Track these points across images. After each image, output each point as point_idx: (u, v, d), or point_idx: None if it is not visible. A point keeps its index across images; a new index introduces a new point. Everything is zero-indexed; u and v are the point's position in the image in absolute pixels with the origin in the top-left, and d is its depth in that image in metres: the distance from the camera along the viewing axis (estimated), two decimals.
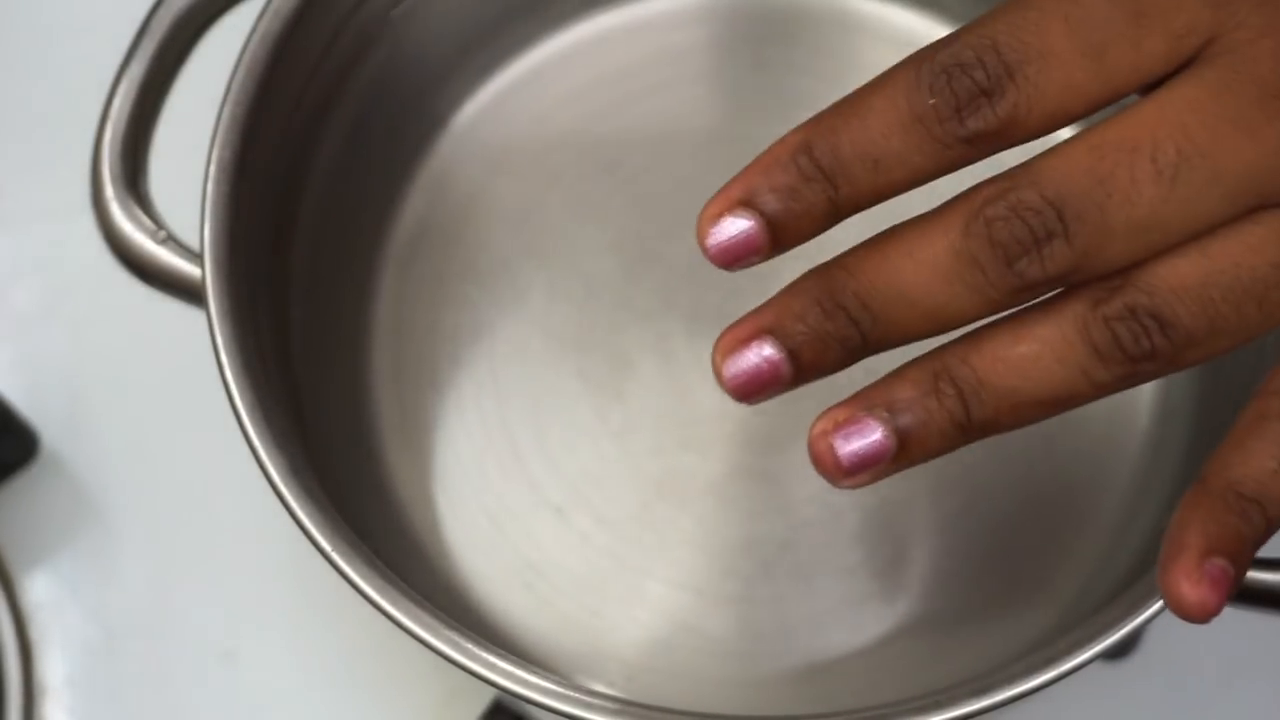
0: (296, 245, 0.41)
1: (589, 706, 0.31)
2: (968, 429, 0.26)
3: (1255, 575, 0.34)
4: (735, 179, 0.26)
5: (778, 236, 0.25)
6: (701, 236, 0.26)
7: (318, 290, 0.42)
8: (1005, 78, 0.24)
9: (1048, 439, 0.42)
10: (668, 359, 0.43)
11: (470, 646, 0.32)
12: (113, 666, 0.46)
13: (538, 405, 0.43)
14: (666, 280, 0.44)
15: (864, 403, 0.26)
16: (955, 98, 0.24)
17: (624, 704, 0.32)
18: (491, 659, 0.32)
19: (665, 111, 0.46)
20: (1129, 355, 0.25)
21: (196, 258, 0.37)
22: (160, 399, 0.48)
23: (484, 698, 0.44)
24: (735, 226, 0.25)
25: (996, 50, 0.24)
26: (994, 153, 0.25)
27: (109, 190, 0.38)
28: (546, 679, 0.32)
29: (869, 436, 0.26)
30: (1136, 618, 0.32)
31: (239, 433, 0.34)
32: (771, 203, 0.25)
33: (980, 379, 0.25)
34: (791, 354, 0.26)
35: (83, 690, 0.46)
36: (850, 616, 0.40)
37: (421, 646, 0.32)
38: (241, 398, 0.34)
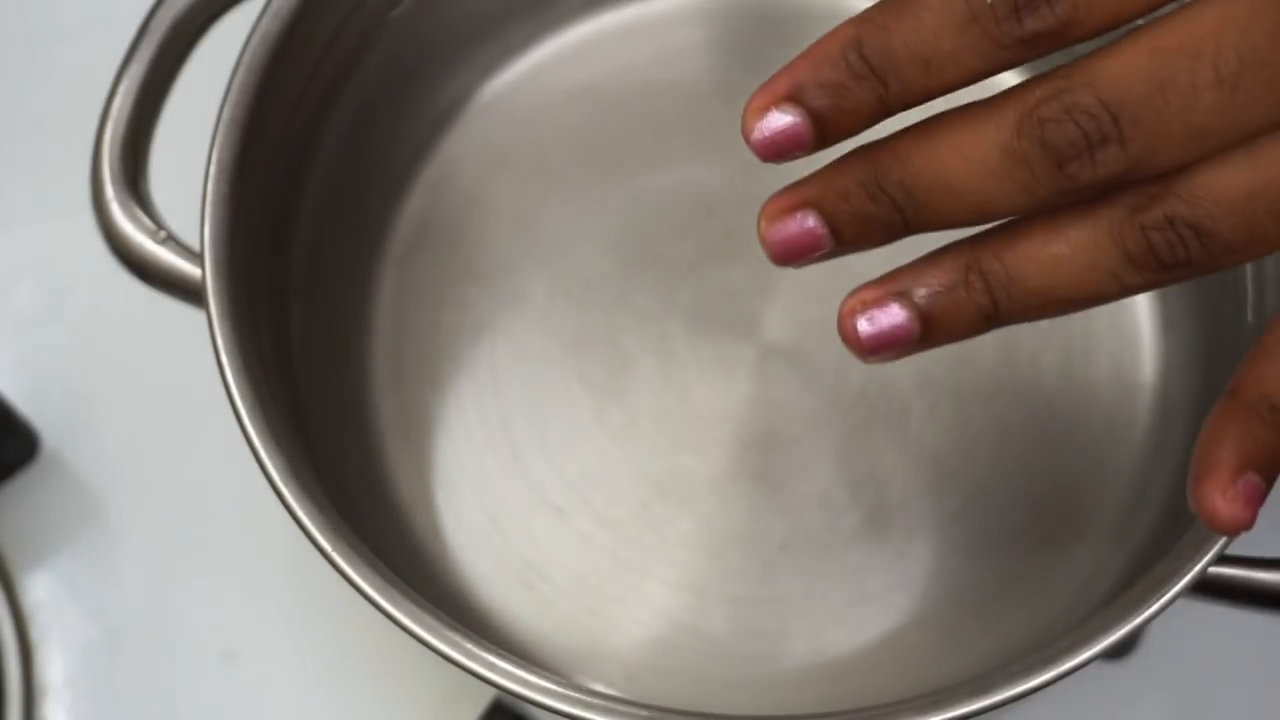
0: (296, 245, 0.41)
1: (589, 706, 0.31)
2: (992, 319, 0.26)
3: (1255, 575, 0.34)
4: (782, 71, 0.25)
5: (823, 133, 0.25)
6: (746, 129, 0.26)
7: (318, 290, 0.42)
8: None
9: (1048, 439, 0.42)
10: (668, 359, 0.43)
11: (470, 646, 0.32)
12: (113, 666, 0.46)
13: (538, 405, 0.43)
14: (666, 280, 0.44)
15: (893, 285, 0.26)
16: None
17: (624, 704, 0.32)
18: (491, 659, 0.32)
19: (665, 112, 0.46)
20: (1162, 263, 0.25)
21: (196, 258, 0.37)
22: (160, 399, 0.48)
23: (484, 698, 0.44)
24: (781, 121, 0.25)
25: None
26: (1049, 54, 0.25)
27: (109, 190, 0.38)
28: (546, 679, 0.32)
29: (894, 319, 0.26)
30: (1136, 617, 0.32)
31: (239, 433, 0.34)
32: (819, 99, 0.25)
33: (1010, 275, 0.25)
34: (833, 229, 0.26)
35: (83, 690, 0.46)
36: (850, 616, 0.40)
37: (421, 646, 0.32)
38: (242, 398, 0.34)
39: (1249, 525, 0.26)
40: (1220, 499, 0.26)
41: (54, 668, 0.46)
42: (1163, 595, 0.32)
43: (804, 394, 0.42)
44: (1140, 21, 0.24)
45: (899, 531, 0.41)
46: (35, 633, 0.46)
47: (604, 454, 0.42)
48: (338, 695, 0.45)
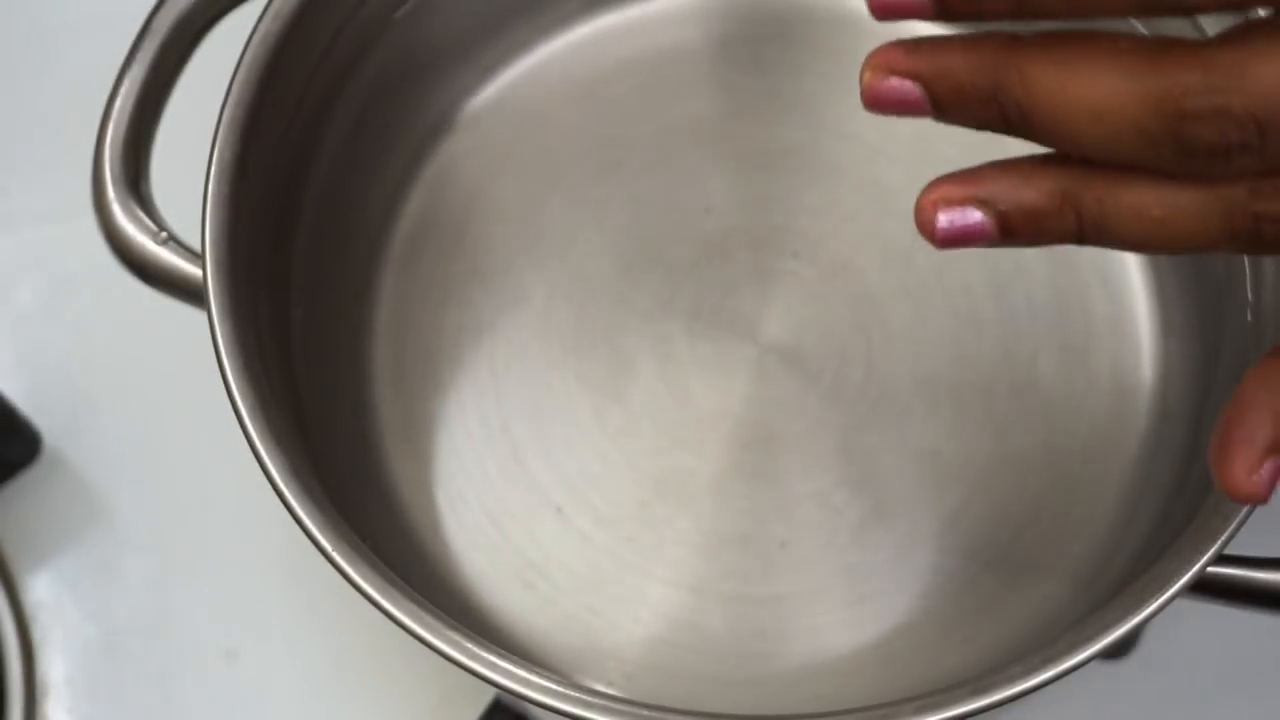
0: (297, 245, 0.41)
1: (589, 706, 0.31)
2: (1070, 241, 0.25)
3: (1255, 575, 0.34)
4: None
5: (945, 5, 0.24)
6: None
7: (318, 290, 0.42)
8: None
9: (1047, 438, 0.42)
10: (667, 360, 0.43)
11: (470, 646, 0.32)
12: (114, 666, 0.46)
13: (538, 405, 0.43)
14: (666, 280, 0.44)
15: (980, 188, 0.25)
16: None
17: (624, 703, 0.32)
18: (491, 658, 0.32)
19: (665, 111, 0.46)
20: (1261, 247, 0.24)
21: (197, 258, 0.37)
22: (161, 399, 0.48)
23: (484, 697, 0.44)
24: None
25: None
26: (1201, 11, 0.24)
27: (110, 191, 0.38)
28: (546, 678, 0.32)
29: (974, 222, 0.25)
30: (1135, 617, 0.32)
31: (240, 433, 0.34)
32: None
33: (1105, 219, 0.25)
34: (936, 104, 0.25)
35: (84, 689, 0.46)
36: (850, 616, 0.41)
37: (421, 646, 0.32)
38: (242, 398, 0.34)
39: (1264, 501, 0.26)
40: (1244, 476, 0.26)
41: (55, 667, 0.46)
42: (1162, 595, 0.32)
43: (804, 394, 0.42)
44: None
45: (898, 531, 0.41)
46: (37, 632, 0.46)
47: (604, 454, 0.42)
48: (338, 695, 0.46)
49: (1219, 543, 0.32)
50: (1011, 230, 0.25)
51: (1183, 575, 0.32)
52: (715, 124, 0.46)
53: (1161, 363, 0.43)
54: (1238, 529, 0.32)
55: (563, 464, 0.42)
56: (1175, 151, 0.24)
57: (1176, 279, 0.43)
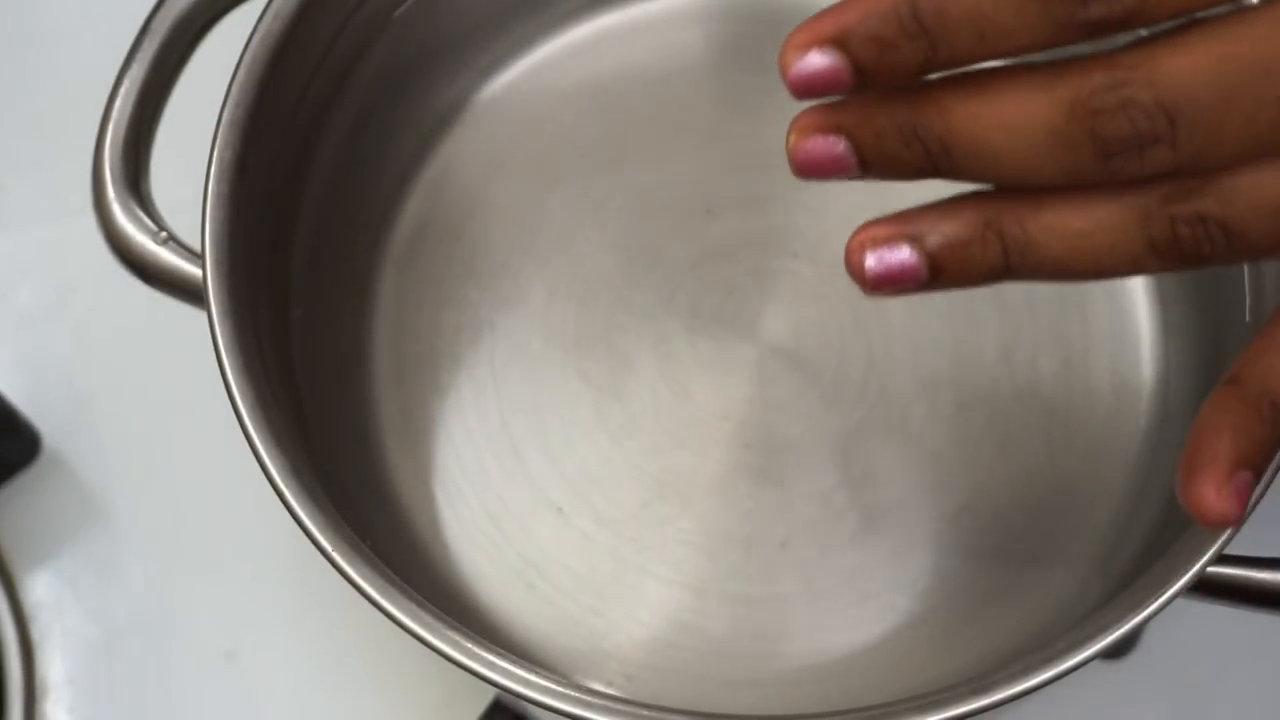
0: (296, 245, 0.41)
1: (589, 706, 0.31)
2: (1002, 276, 0.26)
3: (1254, 575, 0.34)
4: (830, 12, 0.25)
5: (861, 80, 0.25)
6: (784, 63, 0.25)
7: (318, 290, 0.42)
8: None
9: (1047, 439, 0.42)
10: (668, 359, 0.43)
11: (470, 646, 0.32)
12: (113, 666, 0.46)
13: (538, 405, 0.43)
14: (666, 280, 0.44)
15: (907, 227, 0.26)
16: None
17: (624, 704, 0.32)
18: (491, 658, 0.32)
19: (665, 111, 0.46)
20: (1183, 255, 0.24)
21: (197, 258, 0.37)
22: (161, 399, 0.48)
23: (484, 697, 0.44)
24: (820, 62, 0.25)
25: None
26: (1108, 37, 0.24)
27: (110, 191, 0.38)
28: (546, 678, 0.32)
29: (903, 260, 0.26)
30: (1135, 617, 0.32)
31: (240, 432, 0.34)
32: (864, 50, 0.24)
33: (1029, 241, 0.25)
34: (862, 159, 0.25)
35: (83, 689, 0.46)
36: (850, 616, 0.41)
37: (422, 646, 0.32)
38: (242, 397, 0.34)
39: (1237, 522, 0.26)
40: (1212, 494, 0.26)
41: (55, 667, 0.46)
42: (1161, 595, 0.32)
43: (804, 394, 0.42)
44: (1204, 13, 0.24)
45: (898, 531, 0.41)
46: (36, 632, 0.46)
47: (604, 453, 0.42)
48: (338, 695, 0.46)
49: (1219, 542, 0.32)
50: (939, 268, 0.26)
51: (1183, 575, 0.32)
52: (715, 124, 0.46)
53: (1161, 363, 0.43)
54: (1237, 529, 0.32)
55: (563, 463, 0.42)
56: (1092, 154, 0.24)
57: (1176, 279, 0.43)
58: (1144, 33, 0.24)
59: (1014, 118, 0.24)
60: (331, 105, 0.42)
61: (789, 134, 0.26)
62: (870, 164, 0.25)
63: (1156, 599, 0.32)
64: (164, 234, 0.38)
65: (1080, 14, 0.23)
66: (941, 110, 0.25)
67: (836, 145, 0.25)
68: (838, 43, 0.24)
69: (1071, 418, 0.42)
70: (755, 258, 0.44)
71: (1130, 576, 0.36)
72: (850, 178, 0.26)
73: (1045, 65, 0.24)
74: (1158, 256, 0.25)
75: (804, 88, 0.25)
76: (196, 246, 0.36)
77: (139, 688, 0.46)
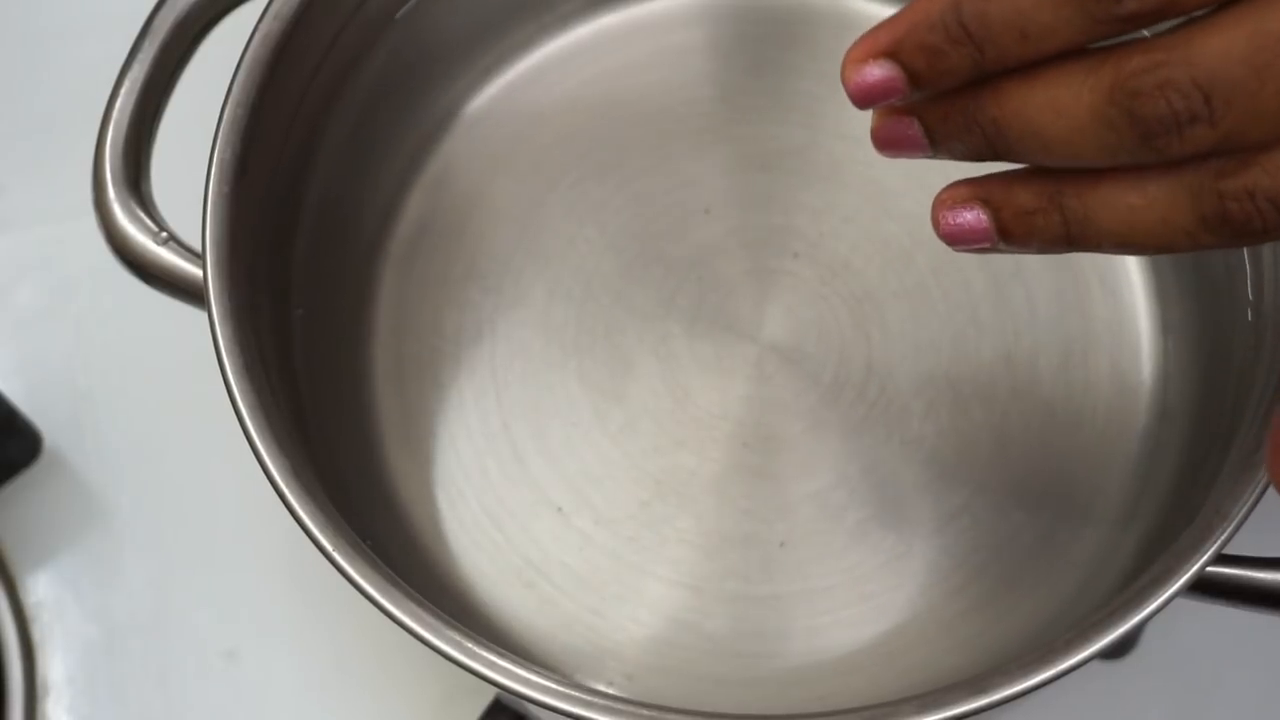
0: (297, 245, 0.41)
1: (589, 705, 0.31)
2: (1063, 245, 0.27)
3: (1254, 575, 0.34)
4: (883, 25, 0.27)
5: (917, 86, 0.27)
6: (845, 77, 0.27)
7: (318, 290, 0.42)
8: None
9: (1046, 438, 0.42)
10: (667, 359, 0.43)
11: (471, 645, 0.32)
12: (114, 666, 0.46)
13: (538, 405, 0.43)
14: (666, 280, 0.44)
15: (981, 191, 0.28)
16: None
17: (624, 703, 0.32)
18: (492, 658, 0.32)
19: (665, 112, 0.46)
20: (1236, 231, 0.25)
21: (198, 258, 0.37)
22: (162, 399, 0.48)
23: (484, 697, 0.44)
24: (877, 73, 0.27)
25: None
26: (1144, 29, 0.25)
27: (111, 191, 0.38)
28: (547, 678, 0.32)
29: (975, 222, 0.28)
30: (1134, 616, 0.32)
31: (240, 433, 0.34)
32: (916, 59, 0.26)
33: (1088, 214, 0.27)
34: (930, 137, 0.28)
35: (84, 689, 0.46)
36: (850, 616, 0.41)
37: (422, 646, 0.32)
38: (243, 398, 0.34)
39: None
40: None
41: (56, 667, 0.46)
42: (1161, 594, 0.32)
43: (804, 394, 0.42)
44: None
45: (898, 530, 0.41)
46: (37, 632, 0.46)
47: (604, 453, 0.42)
48: (338, 695, 0.46)
49: (1219, 542, 0.32)
50: (1006, 231, 0.28)
51: (1183, 575, 0.32)
52: (715, 124, 0.46)
53: (1161, 362, 0.43)
54: (1237, 529, 0.32)
55: (563, 463, 0.42)
56: (1133, 134, 0.25)
57: (1176, 279, 0.43)
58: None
59: (1060, 100, 0.25)
60: (332, 106, 0.42)
61: (874, 114, 0.28)
62: (936, 143, 0.28)
63: (1156, 599, 0.32)
64: (164, 234, 0.38)
65: (1115, 9, 0.24)
66: (997, 95, 0.26)
67: (911, 126, 0.28)
68: (891, 54, 0.26)
69: (1070, 416, 0.42)
70: (755, 258, 0.44)
71: (1130, 576, 0.36)
72: (923, 156, 0.28)
73: (1092, 52, 0.25)
74: (1210, 232, 0.26)
75: (864, 97, 0.27)
76: (197, 246, 0.36)
77: (139, 688, 0.46)
